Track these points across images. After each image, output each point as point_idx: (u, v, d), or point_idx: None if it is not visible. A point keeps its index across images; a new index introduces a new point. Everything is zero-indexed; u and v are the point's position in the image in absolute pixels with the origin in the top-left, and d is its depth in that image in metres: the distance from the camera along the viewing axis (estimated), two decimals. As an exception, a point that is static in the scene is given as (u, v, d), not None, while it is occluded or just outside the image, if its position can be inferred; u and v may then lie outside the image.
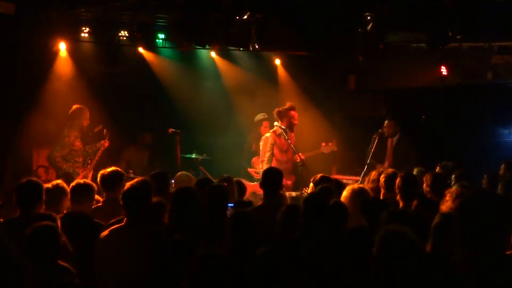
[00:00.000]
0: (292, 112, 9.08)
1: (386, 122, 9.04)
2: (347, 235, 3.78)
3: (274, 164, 8.83)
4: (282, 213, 4.65)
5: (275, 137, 8.94)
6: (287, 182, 8.47)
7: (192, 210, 4.60)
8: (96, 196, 5.79)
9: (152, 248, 4.22)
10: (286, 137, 8.76)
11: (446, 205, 4.84)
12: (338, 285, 3.78)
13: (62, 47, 8.95)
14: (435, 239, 3.91)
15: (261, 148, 8.91)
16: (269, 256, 3.49)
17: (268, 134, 9.01)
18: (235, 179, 6.45)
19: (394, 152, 9.00)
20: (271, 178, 5.74)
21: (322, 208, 4.49)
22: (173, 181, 6.84)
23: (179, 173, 6.79)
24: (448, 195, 5.29)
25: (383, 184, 5.88)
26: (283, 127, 8.89)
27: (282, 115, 9.04)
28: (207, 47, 9.82)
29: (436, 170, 7.24)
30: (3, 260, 2.51)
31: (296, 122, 9.12)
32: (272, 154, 8.89)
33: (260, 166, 8.87)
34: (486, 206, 3.00)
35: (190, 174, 7.06)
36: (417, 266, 3.06)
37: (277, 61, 11.01)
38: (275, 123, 8.91)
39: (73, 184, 5.58)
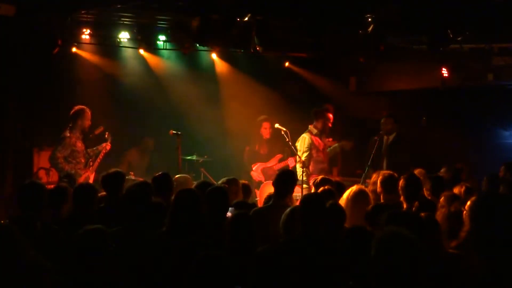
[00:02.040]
0: (329, 114, 9.05)
1: (383, 119, 8.97)
2: (345, 236, 3.78)
3: (311, 164, 8.79)
4: (285, 215, 4.65)
5: (312, 137, 8.89)
6: None
7: (194, 212, 4.58)
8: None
9: (151, 251, 4.22)
10: (321, 137, 8.72)
11: (442, 210, 4.84)
12: (337, 286, 3.79)
13: (63, 49, 8.95)
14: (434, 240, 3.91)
15: (298, 148, 8.82)
16: (264, 255, 3.48)
17: (304, 134, 8.95)
18: (242, 181, 6.40)
19: (389, 150, 8.81)
20: (281, 179, 5.65)
21: (318, 210, 4.48)
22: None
23: (177, 176, 6.79)
24: (442, 198, 5.27)
25: (380, 187, 5.87)
26: (318, 127, 8.88)
27: (318, 115, 9.00)
28: (208, 49, 9.83)
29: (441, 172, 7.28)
30: (23, 261, 2.52)
31: (330, 125, 9.09)
32: (310, 154, 8.82)
33: (298, 166, 8.81)
34: (505, 209, 2.95)
35: (187, 176, 7.06)
36: (416, 267, 3.06)
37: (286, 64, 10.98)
38: (276, 125, 8.89)
39: (75, 186, 5.59)
